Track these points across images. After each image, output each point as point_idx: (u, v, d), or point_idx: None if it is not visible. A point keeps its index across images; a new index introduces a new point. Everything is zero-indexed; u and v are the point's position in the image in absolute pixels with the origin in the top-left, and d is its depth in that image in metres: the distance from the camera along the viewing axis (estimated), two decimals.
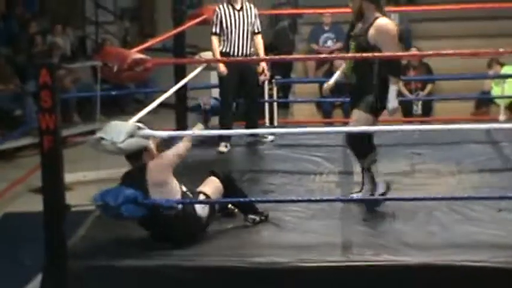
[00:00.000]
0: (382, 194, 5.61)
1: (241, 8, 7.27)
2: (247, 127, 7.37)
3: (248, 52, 7.30)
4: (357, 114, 5.57)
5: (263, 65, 7.52)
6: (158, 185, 4.94)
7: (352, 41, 5.67)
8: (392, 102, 5.51)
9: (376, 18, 5.54)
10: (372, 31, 5.50)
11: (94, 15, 14.79)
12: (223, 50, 7.24)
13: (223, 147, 7.20)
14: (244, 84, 7.37)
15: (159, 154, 5.10)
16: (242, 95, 7.52)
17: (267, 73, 7.64)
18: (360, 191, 5.83)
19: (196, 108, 7.05)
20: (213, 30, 7.25)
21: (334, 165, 6.76)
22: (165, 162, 5.01)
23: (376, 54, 5.40)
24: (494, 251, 4.80)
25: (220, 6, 7.28)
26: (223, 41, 7.24)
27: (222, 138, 7.17)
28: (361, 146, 5.68)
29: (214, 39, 7.23)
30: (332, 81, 6.01)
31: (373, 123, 5.58)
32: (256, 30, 7.36)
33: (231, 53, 7.24)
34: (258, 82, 7.57)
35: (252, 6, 7.37)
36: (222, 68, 7.17)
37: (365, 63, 5.53)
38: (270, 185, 6.31)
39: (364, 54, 5.39)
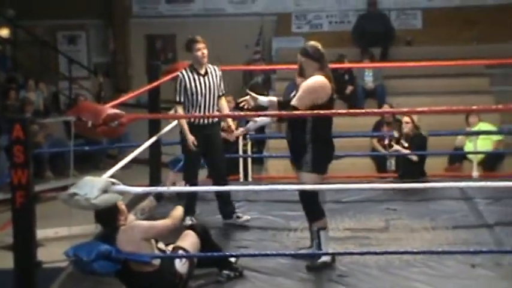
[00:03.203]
0: (325, 264, 5.55)
1: (206, 72, 6.73)
2: (214, 184, 6.89)
3: (214, 119, 6.83)
4: (302, 176, 5.57)
5: (230, 122, 7.12)
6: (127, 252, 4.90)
7: (293, 97, 5.67)
8: (253, 124, 5.79)
9: (313, 75, 5.57)
10: (301, 86, 5.54)
11: (68, 70, 14.80)
12: (189, 120, 6.71)
13: (188, 221, 6.52)
14: (208, 149, 6.79)
15: (133, 222, 5.04)
16: (207, 158, 6.92)
17: (234, 131, 7.14)
18: (310, 247, 5.79)
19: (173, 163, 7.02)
20: (177, 99, 6.70)
21: None
22: (137, 235, 4.94)
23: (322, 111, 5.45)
24: None
25: (183, 72, 6.72)
26: (188, 109, 6.69)
27: (187, 212, 6.32)
28: (311, 208, 5.65)
29: (180, 109, 6.70)
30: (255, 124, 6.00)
31: (321, 180, 5.58)
32: (220, 94, 6.82)
33: (196, 122, 6.73)
34: (221, 146, 6.99)
35: (215, 68, 6.82)
36: (191, 139, 6.65)
37: (298, 121, 5.53)
38: (245, 240, 6.30)
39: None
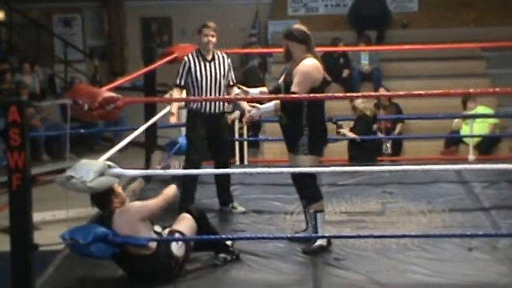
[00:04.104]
0: (321, 247, 5.55)
1: (213, 58, 6.57)
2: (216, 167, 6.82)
3: (222, 109, 6.63)
4: (299, 159, 5.56)
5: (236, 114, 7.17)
6: (125, 234, 4.91)
7: (282, 81, 5.69)
8: (256, 110, 5.68)
9: (304, 58, 5.57)
10: (294, 71, 5.54)
11: (63, 53, 14.77)
12: (194, 107, 6.56)
13: None
14: (214, 141, 6.65)
15: (127, 204, 5.05)
16: (212, 148, 6.72)
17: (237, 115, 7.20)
18: (306, 230, 5.81)
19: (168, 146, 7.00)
20: (177, 81, 6.58)
21: None
22: (133, 215, 4.95)
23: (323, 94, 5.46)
24: None
25: (190, 56, 6.58)
26: (192, 95, 6.57)
27: (185, 200, 6.31)
28: (309, 190, 5.66)
29: (176, 91, 6.59)
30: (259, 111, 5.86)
31: (318, 163, 5.59)
32: (231, 83, 6.66)
33: (202, 109, 6.53)
34: (227, 138, 7.02)
35: (224, 55, 6.65)
36: (173, 119, 6.75)
37: (293, 104, 5.53)
38: (241, 224, 6.31)
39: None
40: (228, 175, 6.73)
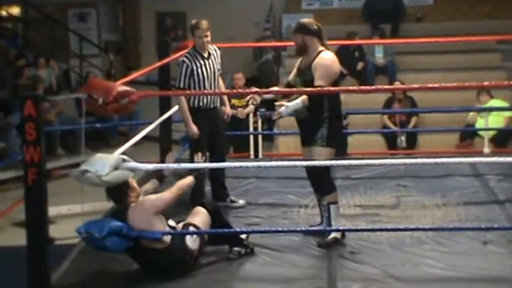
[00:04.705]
0: (335, 240, 5.56)
1: (209, 54, 6.62)
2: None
3: (218, 103, 6.75)
4: (315, 151, 5.56)
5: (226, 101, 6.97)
6: (140, 228, 4.94)
7: (297, 76, 5.68)
8: (285, 108, 5.53)
9: (320, 52, 5.57)
10: (314, 65, 5.53)
11: (78, 48, 14.83)
12: (196, 105, 6.59)
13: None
14: (213, 133, 6.69)
15: (142, 198, 5.08)
16: (211, 140, 6.73)
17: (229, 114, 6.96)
18: (321, 224, 5.82)
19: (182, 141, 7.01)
20: (181, 84, 6.56)
21: None
22: (147, 209, 4.98)
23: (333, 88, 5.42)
24: (480, 284, 4.86)
25: (189, 57, 6.56)
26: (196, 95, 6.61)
27: (193, 203, 6.02)
28: (323, 182, 5.66)
29: (183, 97, 6.59)
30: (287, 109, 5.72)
31: (333, 155, 5.59)
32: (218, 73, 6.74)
33: (203, 105, 6.61)
34: (225, 135, 6.97)
35: (216, 48, 6.71)
36: (195, 129, 6.55)
37: (315, 98, 5.52)
38: (255, 218, 6.32)
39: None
40: (223, 170, 6.74)
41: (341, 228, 5.66)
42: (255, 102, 6.03)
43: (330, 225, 5.58)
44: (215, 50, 6.71)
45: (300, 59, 5.77)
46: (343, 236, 5.61)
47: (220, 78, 6.82)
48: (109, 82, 5.64)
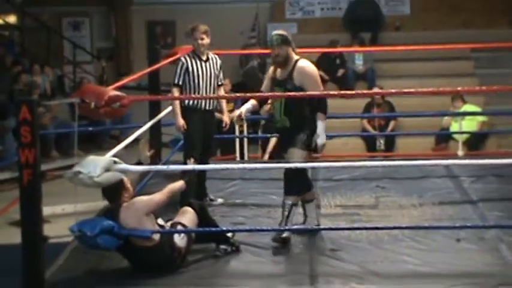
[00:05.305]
0: (287, 239, 5.67)
1: (207, 58, 6.80)
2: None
3: (214, 106, 6.89)
4: (293, 152, 5.69)
5: (225, 107, 7.16)
6: (131, 227, 5.08)
7: (276, 86, 5.79)
8: (322, 137, 5.68)
9: (297, 60, 5.71)
10: (296, 74, 5.67)
11: (72, 55, 15.02)
12: (190, 104, 6.75)
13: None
14: (205, 134, 6.83)
15: (134, 199, 5.20)
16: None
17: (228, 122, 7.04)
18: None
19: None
20: (176, 81, 6.72)
21: None
22: (139, 209, 5.10)
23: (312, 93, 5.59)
24: (453, 278, 5.00)
25: (186, 57, 6.76)
26: (189, 93, 6.74)
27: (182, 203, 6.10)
28: (299, 181, 5.76)
29: (176, 91, 6.71)
30: (243, 109, 5.92)
31: (307, 158, 5.74)
32: (219, 83, 6.92)
33: (198, 106, 6.76)
34: (214, 138, 7.19)
35: (216, 57, 6.90)
36: (182, 122, 6.71)
37: (298, 105, 5.65)
38: (241, 217, 6.47)
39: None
40: (204, 171, 6.88)
41: (322, 227, 5.85)
42: (242, 123, 6.14)
43: (286, 224, 5.68)
44: (215, 58, 6.88)
45: (272, 69, 5.88)
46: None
47: (222, 89, 7.00)
48: (101, 87, 5.72)
